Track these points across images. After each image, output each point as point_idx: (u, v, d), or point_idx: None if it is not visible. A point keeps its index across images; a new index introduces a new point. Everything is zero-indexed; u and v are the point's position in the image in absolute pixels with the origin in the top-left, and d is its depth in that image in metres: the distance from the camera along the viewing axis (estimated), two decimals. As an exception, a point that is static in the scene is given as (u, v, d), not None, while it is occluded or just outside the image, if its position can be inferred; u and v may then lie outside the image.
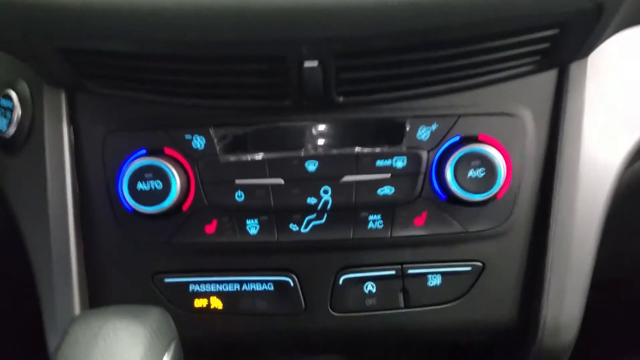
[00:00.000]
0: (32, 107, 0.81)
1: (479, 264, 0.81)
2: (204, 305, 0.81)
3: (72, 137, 0.81)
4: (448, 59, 0.72)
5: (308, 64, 0.69)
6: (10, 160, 0.84)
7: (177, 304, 0.82)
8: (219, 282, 0.81)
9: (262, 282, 0.81)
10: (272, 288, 0.81)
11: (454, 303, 0.82)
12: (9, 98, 0.82)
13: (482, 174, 0.75)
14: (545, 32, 0.72)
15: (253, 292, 0.81)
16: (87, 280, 0.82)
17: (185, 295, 0.81)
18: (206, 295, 0.81)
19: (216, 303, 0.81)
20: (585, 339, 0.85)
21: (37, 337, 0.82)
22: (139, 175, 0.75)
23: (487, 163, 0.75)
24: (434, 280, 0.81)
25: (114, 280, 0.83)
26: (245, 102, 0.77)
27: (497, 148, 0.76)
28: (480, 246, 0.81)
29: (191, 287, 0.81)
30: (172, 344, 0.62)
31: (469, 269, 0.81)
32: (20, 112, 0.81)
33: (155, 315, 0.63)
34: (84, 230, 0.82)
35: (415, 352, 1.11)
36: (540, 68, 0.78)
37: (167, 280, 0.81)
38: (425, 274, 0.81)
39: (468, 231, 0.79)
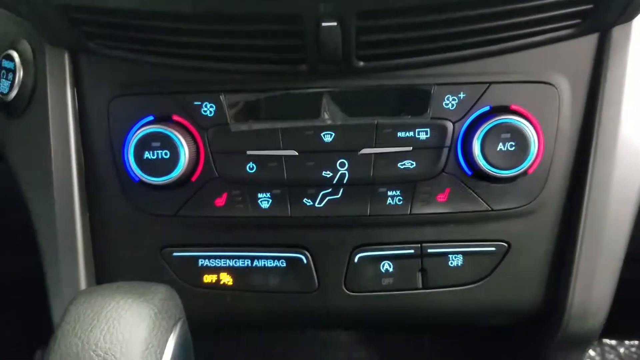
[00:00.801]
0: (35, 69, 0.77)
1: (504, 244, 0.77)
2: (214, 281, 0.79)
3: (76, 101, 0.77)
4: (481, 19, 0.66)
5: (326, 24, 0.64)
6: (12, 125, 0.80)
7: (186, 279, 0.79)
8: (229, 258, 0.78)
9: (273, 258, 0.78)
10: (284, 264, 0.78)
11: (476, 285, 0.78)
12: (11, 59, 0.78)
13: (513, 148, 0.70)
14: None
15: (264, 268, 0.78)
16: (94, 253, 0.80)
17: (194, 270, 0.79)
18: (216, 270, 0.79)
19: (226, 279, 0.79)
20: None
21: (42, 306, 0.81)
22: (145, 143, 0.72)
23: (519, 136, 0.70)
24: (455, 261, 0.77)
25: (121, 253, 0.80)
26: (259, 66, 0.72)
27: (529, 120, 0.71)
28: (507, 225, 0.76)
29: (200, 262, 0.79)
30: (178, 324, 0.59)
31: (493, 249, 0.77)
32: (22, 74, 0.78)
33: (161, 294, 0.59)
34: (90, 200, 0.79)
35: (432, 332, 1.09)
36: (580, 32, 0.72)
37: (175, 254, 0.79)
38: (446, 254, 0.77)
39: (494, 209, 0.74)
